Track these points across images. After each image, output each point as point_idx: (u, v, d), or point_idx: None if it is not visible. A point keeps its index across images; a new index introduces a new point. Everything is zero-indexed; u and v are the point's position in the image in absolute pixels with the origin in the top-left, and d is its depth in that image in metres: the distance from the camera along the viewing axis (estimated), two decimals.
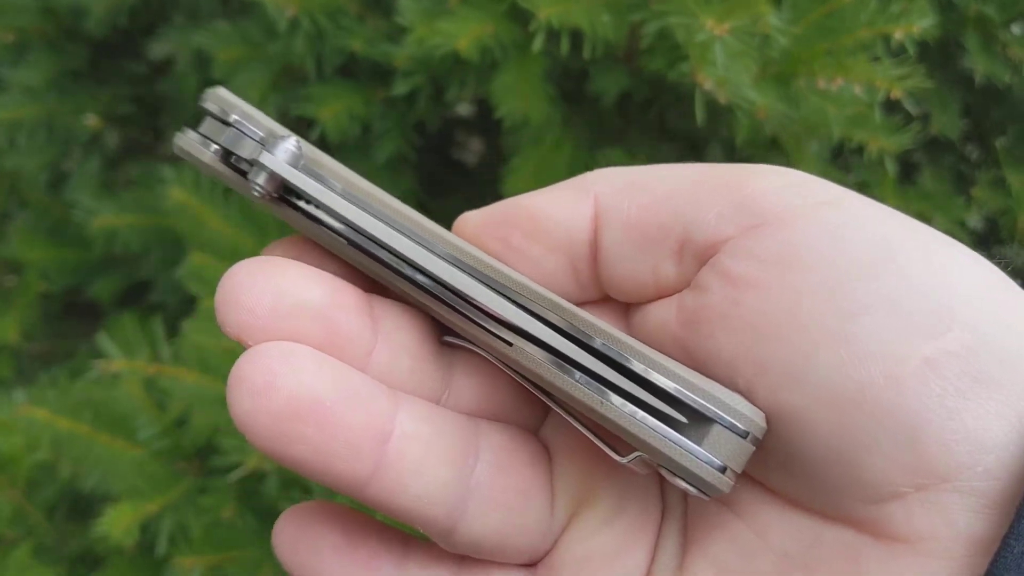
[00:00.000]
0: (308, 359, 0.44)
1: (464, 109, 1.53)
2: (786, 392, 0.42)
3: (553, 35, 1.08)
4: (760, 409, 0.42)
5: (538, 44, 1.07)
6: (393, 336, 0.48)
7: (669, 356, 0.44)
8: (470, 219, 0.48)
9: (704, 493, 0.42)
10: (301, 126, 1.28)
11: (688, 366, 0.44)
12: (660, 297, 0.47)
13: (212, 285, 1.21)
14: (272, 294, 0.44)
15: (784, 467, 0.43)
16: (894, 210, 0.44)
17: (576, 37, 1.09)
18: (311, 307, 0.45)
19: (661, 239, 0.45)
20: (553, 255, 0.47)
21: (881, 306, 0.40)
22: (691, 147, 1.38)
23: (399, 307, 0.49)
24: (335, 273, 0.47)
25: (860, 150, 1.17)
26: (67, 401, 1.18)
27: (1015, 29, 1.32)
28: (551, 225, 0.47)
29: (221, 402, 1.14)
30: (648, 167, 0.47)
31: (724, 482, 0.42)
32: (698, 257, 0.44)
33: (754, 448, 0.42)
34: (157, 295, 1.48)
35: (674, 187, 0.46)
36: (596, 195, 0.47)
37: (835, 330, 0.41)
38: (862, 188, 1.27)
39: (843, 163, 1.37)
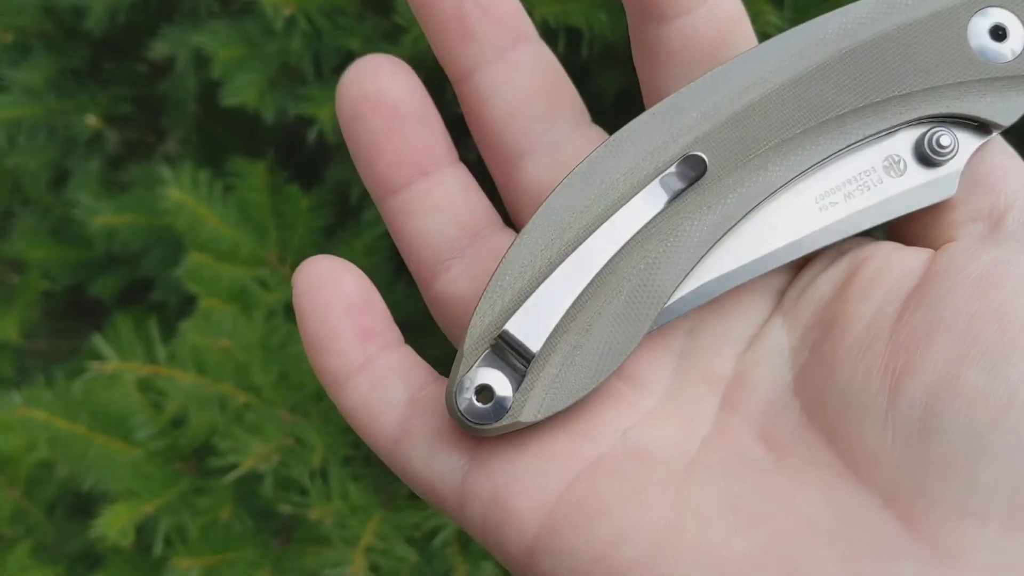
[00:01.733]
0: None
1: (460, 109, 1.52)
2: (974, 371, 0.41)
3: (551, 34, 1.08)
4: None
5: None
6: None
7: None
8: None
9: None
10: (300, 126, 1.27)
11: (907, 294, 0.45)
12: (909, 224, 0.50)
13: (211, 284, 1.21)
14: None
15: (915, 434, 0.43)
16: None
17: (574, 36, 1.08)
18: None
19: (982, 195, 0.48)
20: None
21: None
22: None
23: None
24: None
25: None
26: (64, 401, 1.18)
27: None
28: None
29: (218, 403, 1.14)
30: None
31: None
32: (992, 230, 0.46)
33: None
34: (158, 294, 1.48)
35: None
36: None
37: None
38: None
39: None
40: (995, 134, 0.48)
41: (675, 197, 0.47)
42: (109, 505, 1.10)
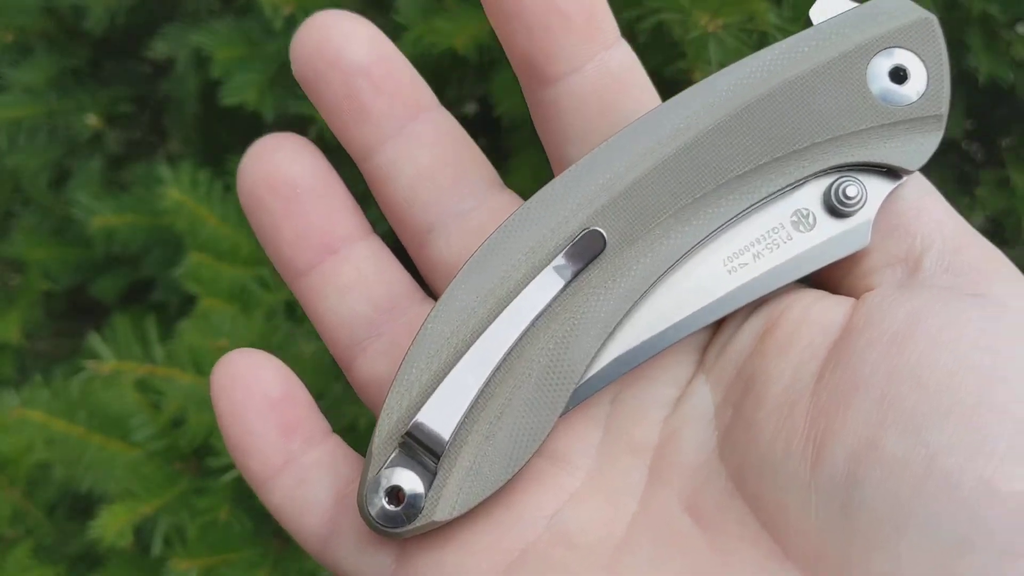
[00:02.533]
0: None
1: (468, 108, 1.52)
2: (893, 437, 0.41)
3: None
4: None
5: None
6: None
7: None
8: None
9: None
10: (302, 125, 1.27)
11: (827, 350, 0.45)
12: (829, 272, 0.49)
13: (210, 285, 1.20)
14: None
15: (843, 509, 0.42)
16: None
17: None
18: None
19: (897, 239, 0.48)
20: None
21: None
22: None
23: None
24: None
25: None
26: (62, 402, 1.18)
27: (1020, 28, 1.31)
28: None
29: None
30: None
31: None
32: (909, 276, 0.46)
33: None
34: (159, 294, 1.47)
35: (934, 209, 0.48)
36: None
37: (970, 414, 0.40)
38: None
39: None
40: (905, 179, 0.47)
41: (576, 275, 0.46)
42: (107, 506, 1.10)
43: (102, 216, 1.36)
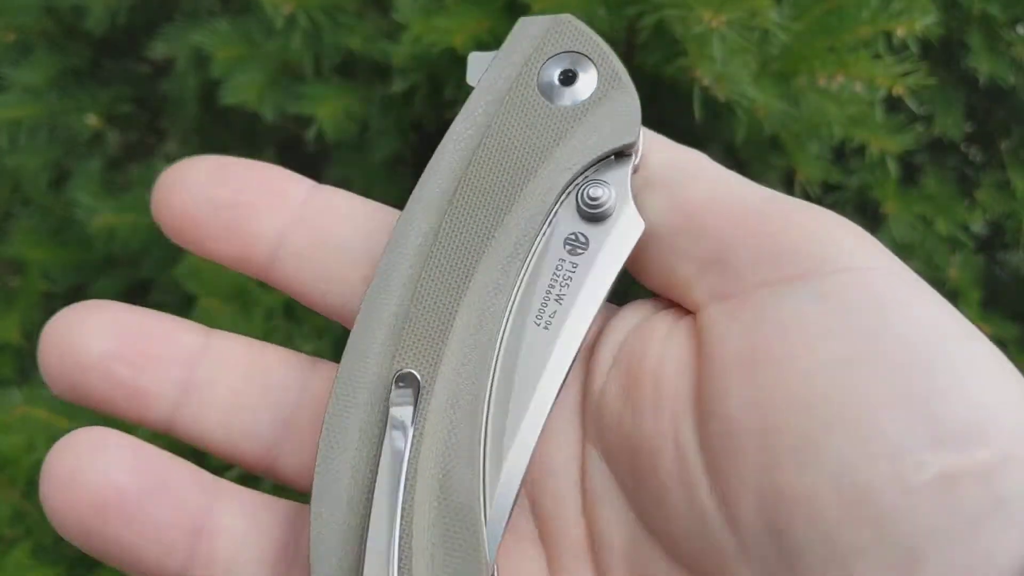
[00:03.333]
0: (117, 448, 0.47)
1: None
2: (791, 474, 0.39)
3: None
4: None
5: None
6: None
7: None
8: None
9: None
10: (301, 125, 1.27)
11: (694, 397, 0.43)
12: (664, 287, 0.47)
13: (210, 284, 1.20)
14: None
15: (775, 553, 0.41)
16: (936, 294, 0.42)
17: None
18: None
19: (697, 239, 0.45)
20: None
21: (906, 404, 0.38)
22: (694, 147, 1.37)
23: None
24: None
25: (862, 150, 1.15)
26: (63, 401, 1.17)
27: (1020, 29, 1.31)
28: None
29: None
30: (712, 163, 0.48)
31: None
32: (725, 280, 0.44)
33: None
34: (158, 295, 1.47)
35: (733, 193, 0.46)
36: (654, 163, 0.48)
37: (851, 419, 0.39)
38: (863, 190, 1.26)
39: (846, 163, 1.36)
40: (638, 150, 0.47)
41: (414, 419, 0.45)
42: None
43: (102, 216, 1.36)
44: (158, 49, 1.39)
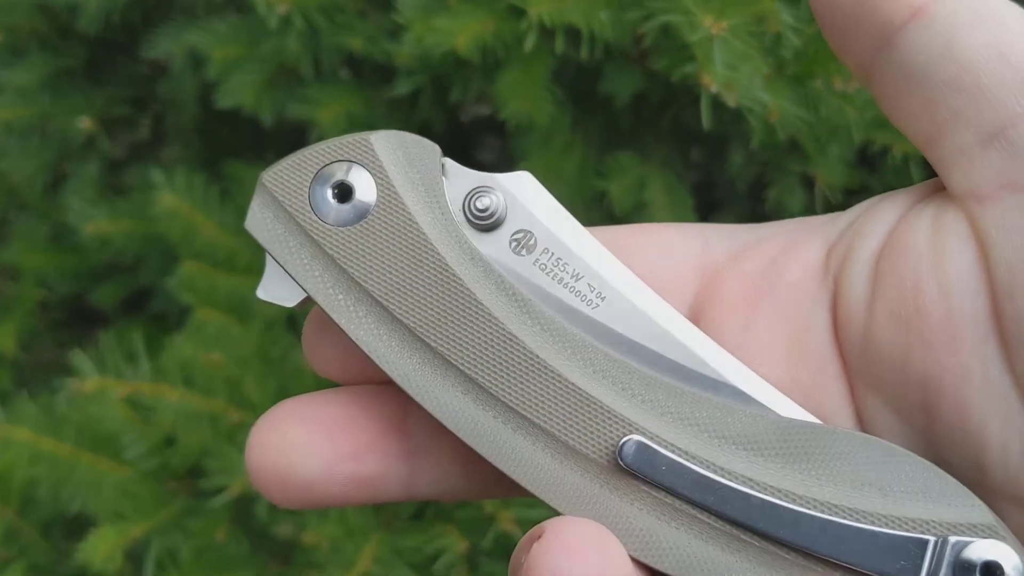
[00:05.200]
0: None
1: (483, 109, 1.49)
2: None
3: (550, 34, 1.04)
4: None
5: (530, 43, 1.03)
6: None
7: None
8: None
9: None
10: (304, 127, 1.24)
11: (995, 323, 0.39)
12: (931, 151, 0.42)
13: (206, 294, 1.17)
14: None
15: None
16: None
17: (576, 36, 1.05)
18: None
19: (978, 101, 0.39)
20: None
21: None
22: (710, 150, 1.34)
23: None
24: None
25: (884, 152, 1.11)
26: (49, 418, 1.15)
27: None
28: None
29: (208, 420, 1.10)
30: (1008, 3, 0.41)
31: None
32: (1014, 163, 0.39)
33: None
34: (158, 304, 1.44)
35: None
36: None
37: None
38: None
39: (869, 165, 1.33)
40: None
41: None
42: (95, 529, 1.06)
43: (96, 223, 1.33)
44: (153, 49, 1.36)
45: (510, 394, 0.42)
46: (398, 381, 0.43)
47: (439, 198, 0.44)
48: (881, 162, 1.24)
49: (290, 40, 1.17)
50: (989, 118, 0.39)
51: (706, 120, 0.99)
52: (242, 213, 1.18)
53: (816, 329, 0.44)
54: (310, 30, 1.17)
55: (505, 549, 1.06)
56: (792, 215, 0.97)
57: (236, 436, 1.09)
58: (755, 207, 1.28)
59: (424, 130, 1.23)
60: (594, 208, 1.17)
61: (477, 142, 1.61)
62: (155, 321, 1.44)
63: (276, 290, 0.44)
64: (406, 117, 1.23)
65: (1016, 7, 0.40)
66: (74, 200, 1.40)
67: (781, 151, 1.14)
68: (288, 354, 1.15)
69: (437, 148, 0.45)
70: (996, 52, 0.39)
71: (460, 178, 0.45)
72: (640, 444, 0.41)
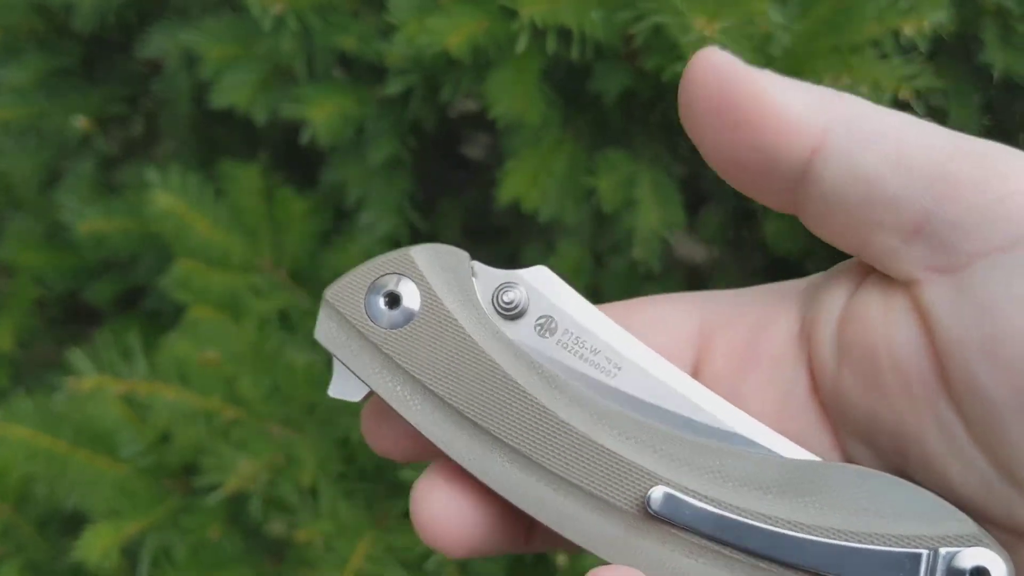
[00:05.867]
0: None
1: (471, 104, 1.50)
2: None
3: (542, 33, 1.04)
4: None
5: (523, 43, 1.04)
6: None
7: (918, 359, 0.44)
8: (711, 74, 0.45)
9: None
10: (298, 125, 1.25)
11: (940, 378, 0.43)
12: (863, 255, 0.45)
13: (200, 292, 1.18)
14: None
15: None
16: None
17: (566, 35, 1.05)
18: None
19: (891, 209, 0.42)
20: (763, 153, 0.44)
21: None
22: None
23: None
24: None
25: None
26: (45, 416, 1.15)
27: None
28: (774, 120, 0.44)
29: (204, 418, 1.11)
30: (880, 110, 0.44)
31: None
32: (935, 251, 0.42)
33: None
34: (153, 301, 1.45)
35: (919, 154, 0.42)
36: (826, 125, 0.43)
37: None
38: None
39: None
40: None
41: None
42: (91, 526, 1.07)
43: (91, 221, 1.34)
44: (148, 48, 1.36)
45: (548, 459, 0.46)
46: (452, 456, 0.47)
47: (471, 296, 0.48)
48: None
49: (284, 40, 1.18)
50: (906, 219, 0.42)
51: None
52: (236, 211, 1.18)
53: (798, 389, 0.48)
54: (304, 30, 1.17)
55: None
56: None
57: (231, 433, 1.09)
58: (741, 202, 1.29)
59: (415, 128, 1.24)
60: (584, 205, 1.18)
61: (466, 138, 1.62)
62: (150, 318, 1.44)
63: (343, 387, 0.48)
64: (397, 116, 1.23)
65: (900, 114, 0.44)
66: (69, 198, 1.40)
67: None
68: (280, 351, 1.16)
69: (466, 254, 0.49)
70: (895, 162, 0.42)
71: (487, 276, 0.49)
72: (666, 494, 0.45)
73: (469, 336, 0.47)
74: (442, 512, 0.48)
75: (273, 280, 1.25)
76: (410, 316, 0.48)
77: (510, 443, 0.46)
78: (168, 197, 1.21)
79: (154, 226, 1.26)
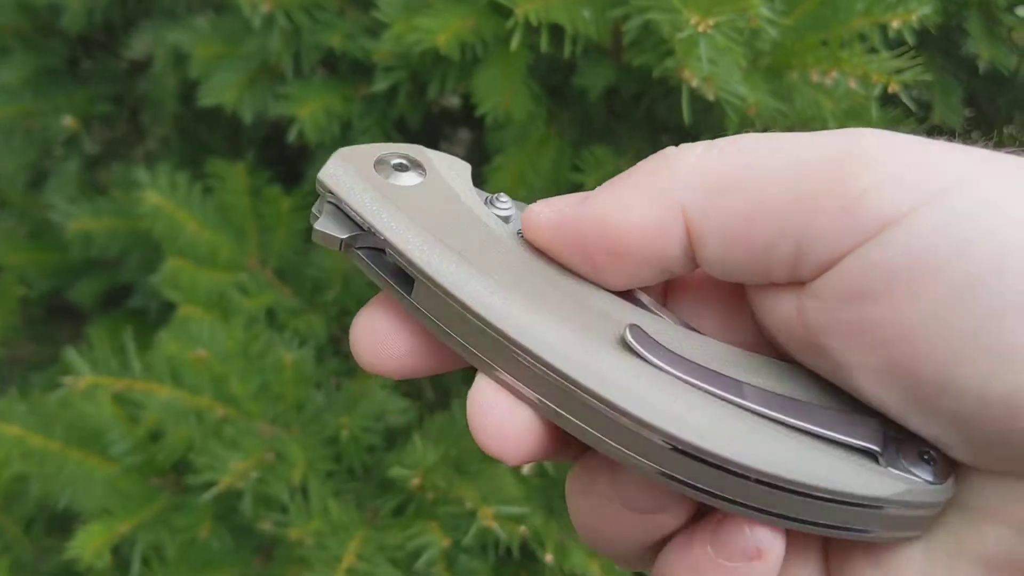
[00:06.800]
0: None
1: (452, 100, 1.49)
2: (943, 400, 0.41)
3: (533, 31, 1.05)
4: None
5: (516, 41, 1.04)
6: None
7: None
8: (543, 226, 0.46)
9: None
10: (284, 123, 1.24)
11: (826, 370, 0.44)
12: (773, 283, 0.45)
13: (189, 291, 1.18)
14: None
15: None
16: (1013, 173, 0.41)
17: (557, 32, 1.05)
18: None
19: (768, 250, 0.43)
20: (646, 267, 0.45)
21: (1018, 306, 0.39)
22: (682, 142, 1.34)
23: None
24: None
25: None
26: (38, 415, 1.15)
27: (1020, 12, 1.28)
28: (640, 246, 0.44)
29: (195, 416, 1.11)
30: (725, 157, 0.44)
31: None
32: (815, 268, 0.42)
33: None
34: (138, 300, 1.44)
35: (770, 195, 0.43)
36: (683, 208, 0.44)
37: (976, 338, 0.40)
38: None
39: None
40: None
41: None
42: (83, 525, 1.07)
43: (79, 220, 1.33)
44: (135, 47, 1.36)
45: (524, 287, 0.46)
46: (434, 276, 0.46)
47: (467, 185, 0.51)
48: None
49: (273, 38, 1.18)
50: (784, 253, 0.43)
51: (687, 115, 1.00)
52: (223, 210, 1.18)
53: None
54: (292, 28, 1.17)
55: (485, 545, 1.07)
56: None
57: (222, 431, 1.09)
58: None
59: (400, 125, 1.24)
60: None
61: (447, 135, 1.62)
62: (134, 317, 1.44)
63: (331, 226, 0.49)
64: (383, 113, 1.24)
65: (743, 152, 0.45)
66: (57, 198, 1.40)
67: None
68: (268, 350, 1.16)
69: (468, 166, 0.52)
70: (753, 209, 0.43)
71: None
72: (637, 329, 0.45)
73: (465, 204, 0.49)
74: (382, 340, 0.49)
75: (260, 279, 1.24)
76: (413, 182, 0.49)
77: (492, 276, 0.46)
78: (158, 196, 1.21)
79: (143, 225, 1.25)
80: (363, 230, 0.48)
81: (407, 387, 1.27)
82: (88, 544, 1.05)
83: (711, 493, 0.43)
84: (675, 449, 0.42)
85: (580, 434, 0.44)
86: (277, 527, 1.08)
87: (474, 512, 1.02)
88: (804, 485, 0.42)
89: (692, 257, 0.44)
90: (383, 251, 0.47)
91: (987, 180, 0.41)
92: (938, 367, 0.40)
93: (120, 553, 1.11)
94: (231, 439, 1.08)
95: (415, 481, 1.05)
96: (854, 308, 0.42)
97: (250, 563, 1.13)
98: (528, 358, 0.44)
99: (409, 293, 0.47)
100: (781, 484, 0.42)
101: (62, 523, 1.19)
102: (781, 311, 0.45)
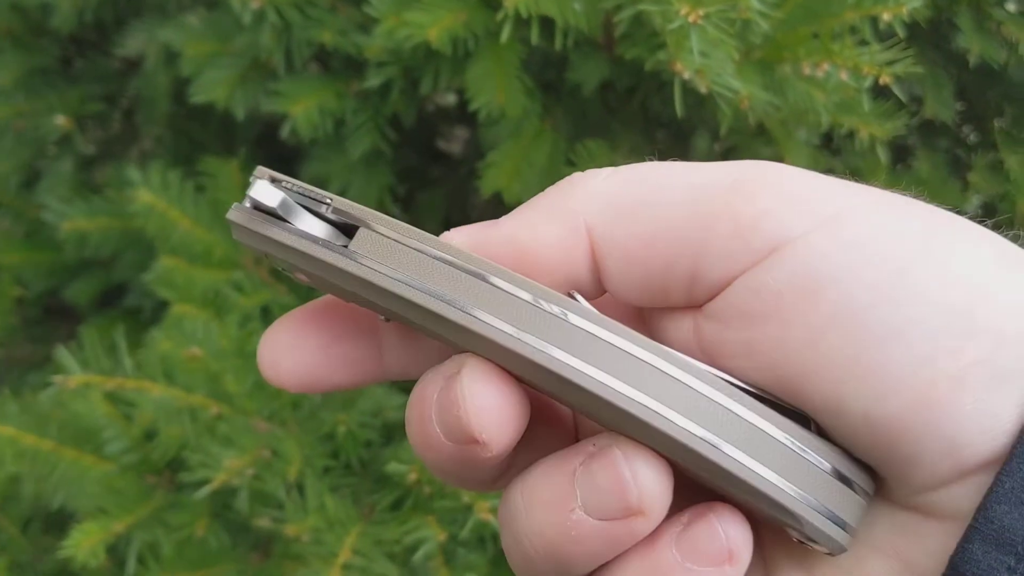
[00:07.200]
0: None
1: (448, 98, 1.50)
2: (830, 419, 0.42)
3: (524, 24, 1.05)
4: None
5: (506, 34, 1.04)
6: None
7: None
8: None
9: (830, 552, 0.43)
10: (276, 120, 1.24)
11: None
12: (672, 306, 0.46)
13: (183, 290, 1.18)
14: None
15: None
16: (900, 208, 0.43)
17: (548, 25, 1.05)
18: None
19: (667, 271, 0.44)
20: (551, 281, 0.44)
21: (902, 332, 0.40)
22: (676, 136, 1.35)
23: None
24: None
25: (851, 135, 1.13)
26: (31, 415, 1.15)
27: (1009, 6, 1.28)
28: (547, 263, 0.45)
29: (189, 414, 1.11)
30: (629, 182, 0.45)
31: (849, 541, 0.43)
32: (710, 288, 0.44)
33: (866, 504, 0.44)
34: (132, 299, 1.44)
35: (669, 218, 0.44)
36: (588, 228, 0.45)
37: (858, 362, 0.41)
38: (854, 175, 1.24)
39: (835, 148, 1.34)
40: None
41: None
42: (78, 524, 1.07)
43: (73, 220, 1.33)
44: (126, 46, 1.36)
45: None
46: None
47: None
48: (847, 146, 1.25)
49: (264, 35, 1.18)
50: (681, 274, 0.44)
51: (680, 108, 1.00)
52: (216, 207, 1.18)
53: None
54: (283, 24, 1.17)
55: (482, 538, 1.08)
56: None
57: (216, 429, 1.09)
58: None
59: (393, 121, 1.24)
60: None
61: (442, 133, 1.62)
62: (129, 316, 1.44)
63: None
64: (376, 109, 1.24)
65: (644, 181, 0.46)
66: (51, 198, 1.40)
67: (748, 136, 1.16)
68: None
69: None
70: (653, 235, 0.44)
71: None
72: None
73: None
74: (286, 353, 0.49)
75: (254, 277, 1.24)
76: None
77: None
78: (151, 195, 1.21)
79: (137, 224, 1.25)
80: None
81: (404, 383, 1.27)
82: (83, 543, 1.05)
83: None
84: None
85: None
86: (273, 523, 1.08)
87: (470, 506, 1.02)
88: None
89: (600, 280, 0.45)
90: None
91: (872, 213, 0.42)
92: (826, 388, 0.41)
93: (116, 552, 1.11)
94: (226, 436, 1.08)
95: (412, 476, 1.05)
96: (744, 328, 0.43)
97: (247, 560, 1.13)
98: None
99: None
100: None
101: (59, 523, 1.19)
102: (680, 334, 0.45)
